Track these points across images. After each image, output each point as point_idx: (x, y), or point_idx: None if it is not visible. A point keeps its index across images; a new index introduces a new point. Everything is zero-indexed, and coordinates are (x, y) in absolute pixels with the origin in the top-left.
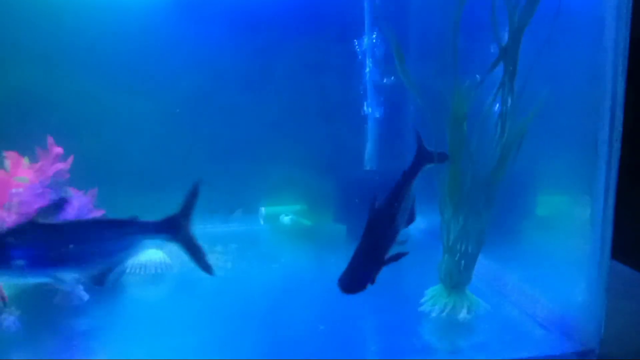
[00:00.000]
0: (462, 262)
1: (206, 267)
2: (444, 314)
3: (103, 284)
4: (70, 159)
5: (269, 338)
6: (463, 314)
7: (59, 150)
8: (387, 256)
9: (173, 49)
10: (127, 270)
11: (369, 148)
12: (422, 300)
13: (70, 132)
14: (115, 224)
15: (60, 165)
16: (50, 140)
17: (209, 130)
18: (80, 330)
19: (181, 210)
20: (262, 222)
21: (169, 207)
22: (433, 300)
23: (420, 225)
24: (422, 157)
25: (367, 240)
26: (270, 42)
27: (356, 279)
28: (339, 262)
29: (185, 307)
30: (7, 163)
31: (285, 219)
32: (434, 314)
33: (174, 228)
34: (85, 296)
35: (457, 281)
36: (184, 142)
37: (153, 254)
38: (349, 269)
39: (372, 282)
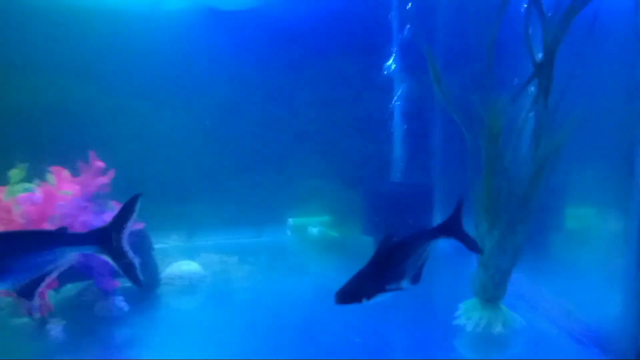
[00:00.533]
0: (497, 276)
1: (135, 281)
2: (480, 328)
3: (31, 297)
4: (111, 173)
5: (307, 350)
6: (498, 328)
7: (100, 164)
8: (387, 287)
9: (205, 64)
10: (163, 281)
11: (396, 160)
12: (457, 313)
13: (106, 145)
14: (41, 235)
15: (103, 179)
16: (92, 154)
17: (239, 142)
18: (121, 340)
19: (112, 222)
20: (289, 233)
21: (200, 216)
22: (467, 314)
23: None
24: (450, 229)
25: (373, 264)
26: (299, 57)
27: (352, 292)
28: None
29: (220, 317)
30: (52, 177)
31: (314, 230)
32: (469, 328)
33: (102, 240)
34: (125, 307)
35: (491, 295)
36: (215, 154)
37: (187, 265)
38: (349, 282)
39: (368, 298)
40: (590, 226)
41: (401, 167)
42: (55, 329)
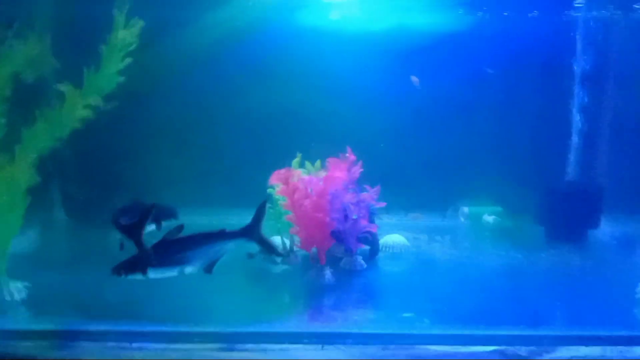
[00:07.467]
0: None
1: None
2: None
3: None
4: (360, 163)
5: (516, 309)
6: None
7: (353, 157)
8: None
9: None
10: (381, 248)
11: (572, 159)
12: (638, 289)
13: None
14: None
15: (359, 168)
16: (349, 149)
17: (430, 138)
18: (363, 286)
19: (251, 222)
20: (462, 220)
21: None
22: None
23: (607, 230)
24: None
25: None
26: (484, 54)
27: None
28: (544, 258)
29: (425, 276)
30: (328, 165)
31: (489, 219)
32: None
33: (249, 233)
34: (364, 264)
35: None
36: (410, 148)
37: (397, 237)
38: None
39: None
40: None
41: (574, 166)
42: (328, 273)
